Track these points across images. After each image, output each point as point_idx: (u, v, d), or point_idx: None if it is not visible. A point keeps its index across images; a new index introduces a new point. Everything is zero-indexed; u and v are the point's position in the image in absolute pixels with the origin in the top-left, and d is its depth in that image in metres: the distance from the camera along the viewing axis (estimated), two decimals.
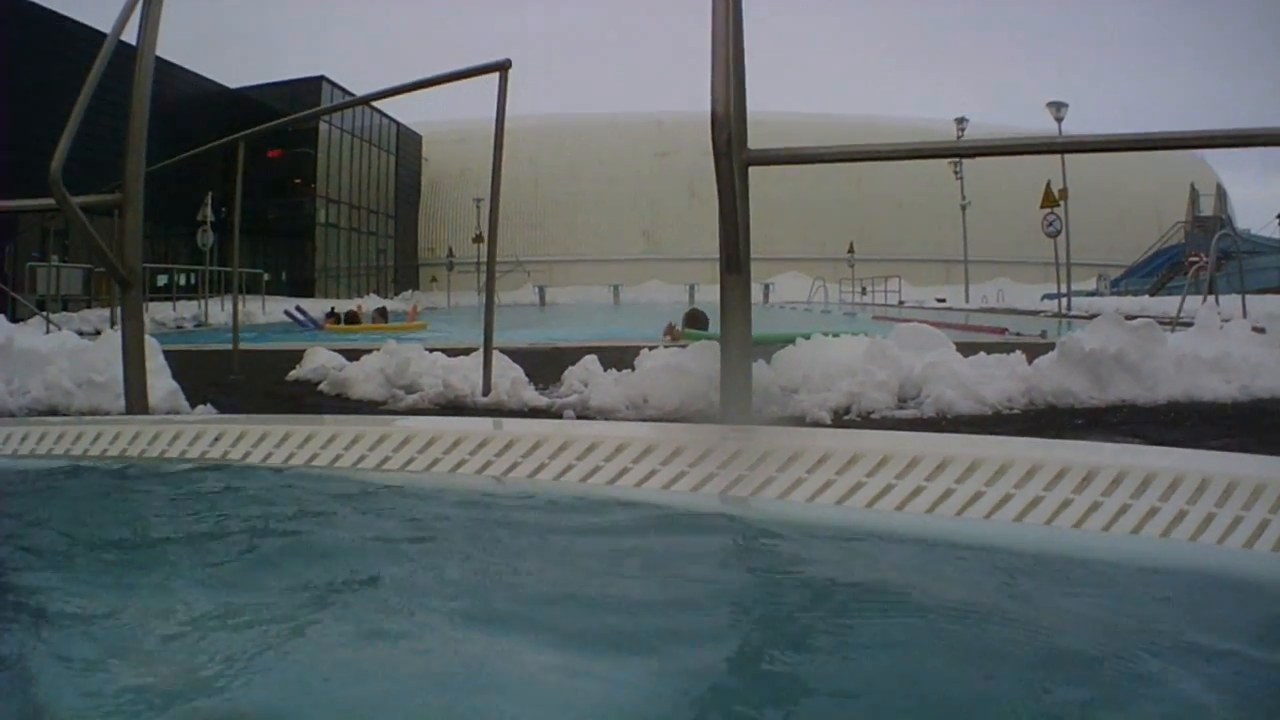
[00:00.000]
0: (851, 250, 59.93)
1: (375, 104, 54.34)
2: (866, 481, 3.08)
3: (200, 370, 7.37)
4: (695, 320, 14.33)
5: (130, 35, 4.85)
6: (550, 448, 3.42)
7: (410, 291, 63.46)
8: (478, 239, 62.69)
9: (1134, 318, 6.64)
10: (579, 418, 5.65)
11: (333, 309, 24.85)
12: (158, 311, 23.68)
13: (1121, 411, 5.82)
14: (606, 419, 5.56)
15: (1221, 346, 6.57)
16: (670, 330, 14.14)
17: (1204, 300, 12.93)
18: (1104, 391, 6.05)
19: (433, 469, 3.52)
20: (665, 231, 73.24)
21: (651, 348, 6.70)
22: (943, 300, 47.49)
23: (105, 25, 4.74)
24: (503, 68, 6.19)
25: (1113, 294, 45.71)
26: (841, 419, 5.63)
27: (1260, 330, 7.23)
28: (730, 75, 3.36)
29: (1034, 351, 6.77)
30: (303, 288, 51.98)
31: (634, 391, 5.97)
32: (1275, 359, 6.49)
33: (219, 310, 27.58)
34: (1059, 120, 37.79)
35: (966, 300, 46.31)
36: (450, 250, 66.62)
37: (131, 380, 4.87)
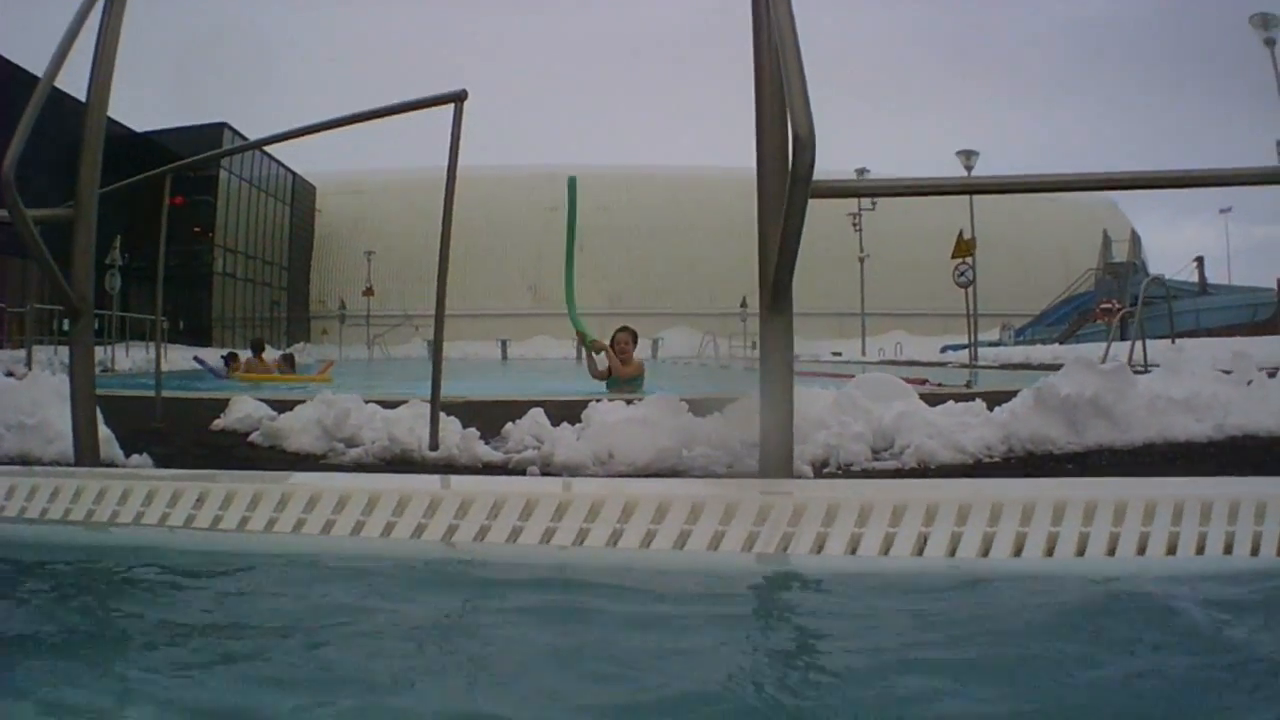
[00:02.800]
0: (744, 305, 60.06)
1: (272, 151, 53.79)
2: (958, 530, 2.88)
3: (121, 417, 6.90)
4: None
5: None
6: (581, 508, 3.10)
7: (303, 344, 62.53)
8: (368, 292, 62.45)
9: (1055, 366, 6.57)
10: (543, 474, 5.32)
11: (232, 353, 23.74)
12: (64, 355, 22.87)
13: (1103, 455, 5.66)
14: (573, 475, 5.24)
15: (1191, 386, 6.46)
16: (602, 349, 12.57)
17: (1132, 346, 12.92)
18: (1081, 436, 5.90)
19: (453, 537, 3.15)
20: (553, 287, 72.92)
21: (596, 399, 6.39)
22: (838, 354, 47.57)
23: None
24: (458, 99, 5.87)
25: (1017, 343, 46.24)
26: (820, 472, 5.37)
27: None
28: (806, 96, 3.12)
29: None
30: (199, 336, 51.08)
31: (599, 446, 5.66)
32: (1243, 396, 6.39)
33: (123, 356, 26.82)
34: (968, 169, 38.28)
35: (863, 353, 46.53)
36: (342, 303, 66.02)
37: (81, 424, 4.32)
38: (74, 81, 4.65)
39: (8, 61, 36.77)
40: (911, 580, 2.76)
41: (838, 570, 2.81)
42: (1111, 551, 2.83)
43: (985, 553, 2.82)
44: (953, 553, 2.83)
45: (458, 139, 5.99)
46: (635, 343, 12.30)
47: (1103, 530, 2.86)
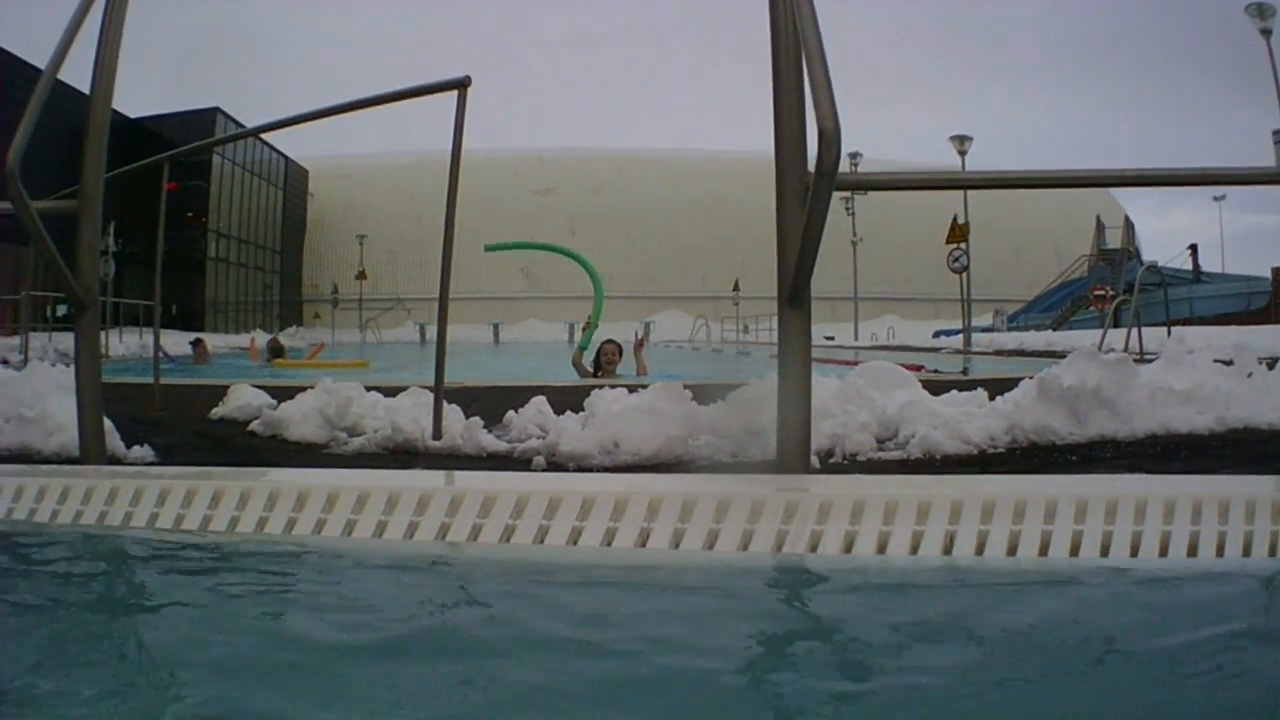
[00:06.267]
0: (737, 288, 59.84)
1: (267, 137, 53.66)
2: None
3: (120, 405, 6.88)
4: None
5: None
6: (606, 507, 3.04)
7: (295, 328, 62.35)
8: (360, 276, 62.41)
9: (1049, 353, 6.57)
10: (549, 464, 5.29)
11: (199, 339, 23.26)
12: (59, 341, 22.68)
13: (1106, 447, 5.65)
14: (579, 465, 5.22)
15: (1192, 378, 6.44)
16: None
17: (1129, 333, 12.92)
18: (1084, 428, 5.89)
19: (479, 537, 3.09)
20: (544, 270, 72.72)
21: (604, 386, 6.36)
22: (831, 338, 47.27)
23: None
24: (462, 85, 5.82)
25: (1010, 329, 46.02)
26: (826, 462, 5.35)
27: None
28: (830, 89, 3.09)
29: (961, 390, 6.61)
30: (192, 321, 50.93)
31: (604, 435, 5.62)
32: (1244, 389, 6.37)
33: (116, 342, 26.68)
34: (962, 154, 38.16)
35: (856, 337, 46.34)
36: (335, 287, 65.95)
37: (87, 420, 4.20)
38: (73, 72, 4.59)
39: (9, 54, 36.77)
40: (934, 578, 2.74)
41: (856, 568, 2.78)
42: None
43: (1012, 551, 2.79)
44: (980, 550, 2.80)
45: (461, 126, 5.95)
46: (620, 356, 12.80)
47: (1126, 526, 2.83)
